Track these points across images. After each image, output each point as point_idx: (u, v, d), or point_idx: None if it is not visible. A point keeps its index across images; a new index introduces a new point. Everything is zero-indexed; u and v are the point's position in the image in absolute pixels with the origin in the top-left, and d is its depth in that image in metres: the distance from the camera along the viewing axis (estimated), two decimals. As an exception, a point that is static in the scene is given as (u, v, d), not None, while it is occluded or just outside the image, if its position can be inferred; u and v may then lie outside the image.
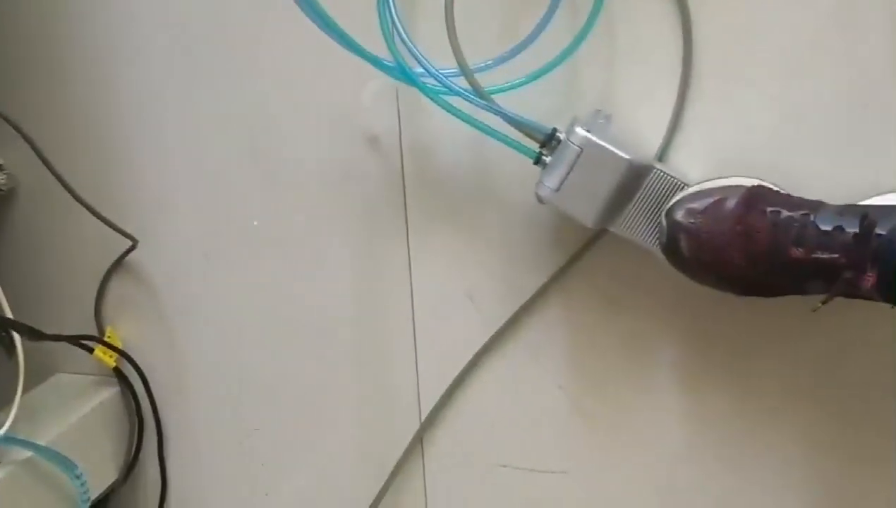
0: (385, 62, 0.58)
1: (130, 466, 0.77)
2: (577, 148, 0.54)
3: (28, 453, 0.62)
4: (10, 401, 0.64)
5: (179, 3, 0.69)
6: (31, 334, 0.64)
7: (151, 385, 0.76)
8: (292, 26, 0.66)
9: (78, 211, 0.72)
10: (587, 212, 0.57)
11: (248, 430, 0.76)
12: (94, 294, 0.75)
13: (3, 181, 0.74)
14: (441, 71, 0.57)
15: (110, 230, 0.72)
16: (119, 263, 0.74)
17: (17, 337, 0.64)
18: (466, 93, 0.57)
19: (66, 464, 0.63)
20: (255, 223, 0.71)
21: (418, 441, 0.72)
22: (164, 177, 0.73)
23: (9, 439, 0.60)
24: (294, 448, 0.76)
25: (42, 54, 0.73)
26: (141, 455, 0.78)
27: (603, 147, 0.54)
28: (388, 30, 0.58)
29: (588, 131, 0.54)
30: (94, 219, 0.72)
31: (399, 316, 0.70)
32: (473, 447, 0.71)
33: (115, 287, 0.76)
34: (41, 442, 0.63)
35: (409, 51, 0.57)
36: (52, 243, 0.76)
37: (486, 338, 0.68)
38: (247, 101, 0.69)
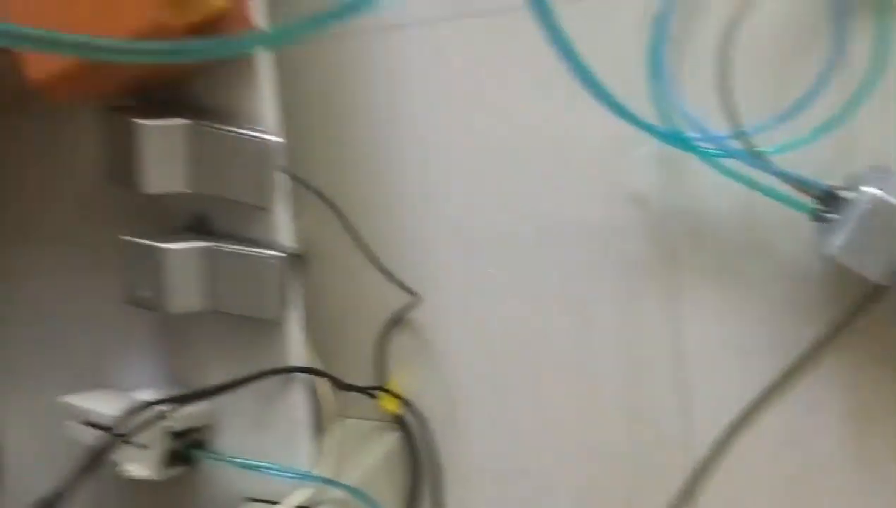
0: (658, 128, 0.61)
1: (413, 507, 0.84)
2: (867, 205, 0.54)
3: (341, 493, 0.70)
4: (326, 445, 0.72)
5: (452, 71, 0.76)
6: (335, 383, 0.72)
7: (432, 430, 0.83)
8: (558, 90, 0.71)
9: (365, 268, 0.80)
10: (874, 269, 0.56)
11: (519, 472, 0.80)
12: (375, 345, 0.84)
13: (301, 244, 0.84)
14: (715, 134, 0.59)
15: (392, 286, 0.80)
16: (400, 316, 0.82)
17: (319, 383, 0.73)
18: (744, 155, 0.58)
19: (371, 504, 0.70)
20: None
21: (689, 495, 0.72)
22: (445, 236, 0.79)
23: (323, 479, 0.68)
24: (562, 493, 0.79)
25: (331, 121, 0.83)
26: (420, 498, 0.84)
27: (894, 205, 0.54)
28: (661, 98, 0.61)
29: (879, 189, 0.54)
30: (378, 275, 0.80)
31: (666, 370, 0.72)
32: (746, 503, 0.71)
33: (395, 338, 0.84)
34: (350, 483, 0.71)
35: (686, 118, 0.59)
36: (339, 297, 0.85)
37: (757, 393, 0.68)
38: (520, 160, 0.75)
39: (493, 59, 0.75)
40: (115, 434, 0.64)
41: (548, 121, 0.73)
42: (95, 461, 0.61)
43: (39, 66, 0.57)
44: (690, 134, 0.60)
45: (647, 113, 0.63)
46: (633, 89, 0.63)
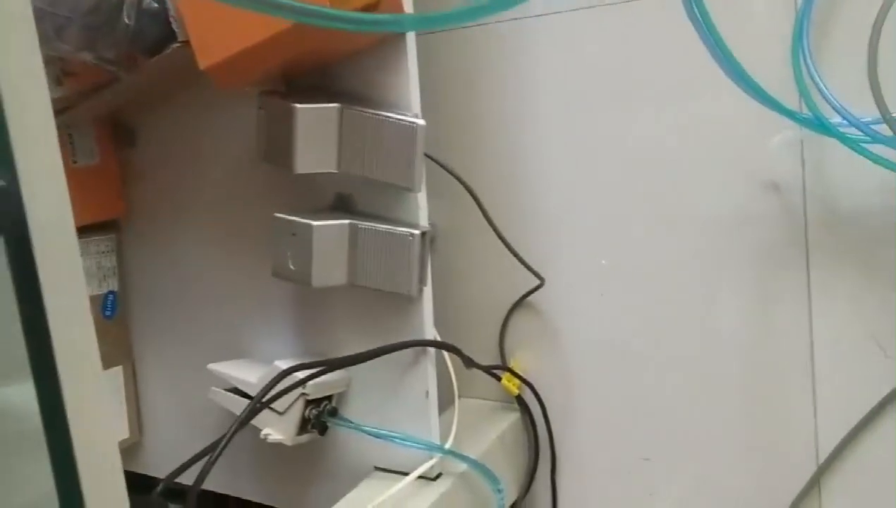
0: (800, 115, 0.61)
1: (527, 486, 0.85)
2: None
3: (464, 466, 0.73)
4: (445, 420, 0.75)
5: (586, 60, 0.78)
6: (466, 361, 0.74)
7: (548, 412, 0.84)
8: (695, 76, 0.71)
9: (491, 250, 0.82)
10: None
11: (638, 460, 0.81)
12: (499, 326, 0.86)
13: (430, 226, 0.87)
14: (860, 119, 0.58)
15: (518, 268, 0.82)
16: (524, 299, 0.84)
17: (449, 362, 0.76)
18: (892, 141, 0.57)
19: (493, 479, 0.72)
20: (650, 266, 0.77)
21: (815, 485, 0.72)
22: (569, 222, 0.81)
23: (452, 452, 0.71)
24: (683, 482, 0.79)
25: (466, 106, 0.85)
26: (536, 477, 0.86)
27: None
28: (804, 83, 0.61)
29: None
30: (505, 258, 0.82)
31: (797, 357, 0.71)
32: (874, 497, 0.70)
33: (518, 320, 0.86)
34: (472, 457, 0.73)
35: (829, 103, 0.59)
36: (466, 278, 0.88)
37: (893, 384, 0.67)
38: (646, 148, 0.76)
39: (625, 47, 0.76)
40: (260, 403, 0.68)
41: (682, 107, 0.74)
42: (241, 427, 0.65)
43: (208, 54, 0.61)
44: (834, 119, 0.60)
45: (790, 98, 0.63)
46: (774, 75, 0.63)
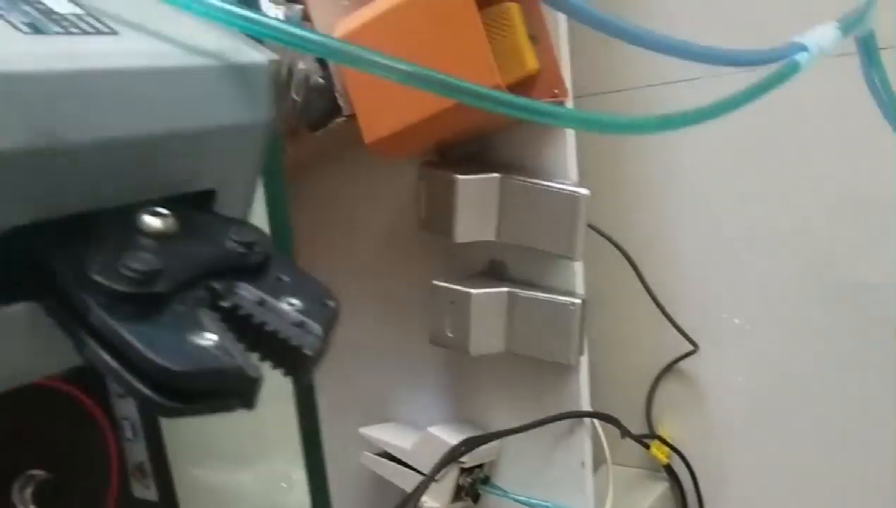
0: None
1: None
2: None
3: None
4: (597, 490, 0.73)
5: (726, 131, 0.76)
6: (622, 431, 0.73)
7: (699, 483, 0.81)
8: (853, 146, 0.69)
9: (640, 315, 0.81)
10: None
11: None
12: (646, 392, 0.84)
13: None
14: None
15: (665, 333, 0.80)
16: (674, 364, 0.82)
17: (598, 428, 0.74)
18: None
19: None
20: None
21: None
22: (726, 291, 0.79)
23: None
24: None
25: (617, 168, 0.84)
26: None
27: None
28: None
29: None
30: (653, 323, 0.80)
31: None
32: None
33: (667, 386, 0.83)
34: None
35: None
36: (611, 343, 0.87)
37: None
38: (801, 214, 0.73)
39: (779, 110, 0.74)
40: (429, 478, 0.67)
41: (837, 176, 0.71)
42: (411, 501, 0.65)
43: (373, 129, 0.63)
44: None
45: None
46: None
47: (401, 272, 0.77)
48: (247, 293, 0.25)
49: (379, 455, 0.75)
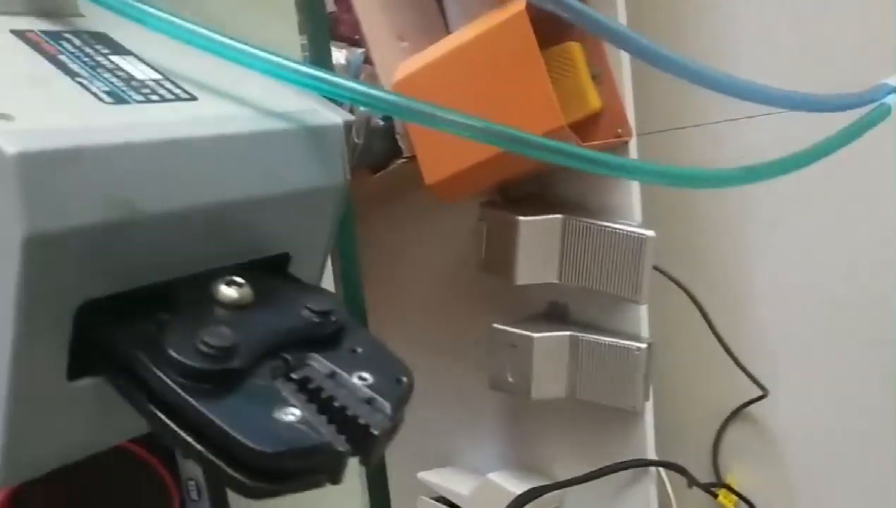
0: None
1: None
2: None
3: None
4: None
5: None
6: (690, 480, 0.70)
7: (771, 534, 0.78)
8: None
9: (705, 358, 0.78)
10: None
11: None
12: (712, 438, 0.81)
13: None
14: None
15: (732, 378, 0.77)
16: (742, 409, 0.79)
17: (664, 476, 0.72)
18: None
19: None
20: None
21: None
22: (797, 334, 0.76)
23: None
24: None
25: (684, 215, 0.82)
26: None
27: None
28: None
29: None
30: (719, 367, 0.77)
31: None
32: None
33: (735, 432, 0.80)
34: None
35: None
36: (675, 388, 0.84)
37: None
38: (877, 260, 0.70)
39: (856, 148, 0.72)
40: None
41: None
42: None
43: (434, 171, 0.62)
44: None
45: None
46: None
47: (460, 314, 0.76)
48: (318, 365, 0.24)
49: (436, 499, 0.74)
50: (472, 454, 0.77)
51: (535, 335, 0.64)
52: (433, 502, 0.73)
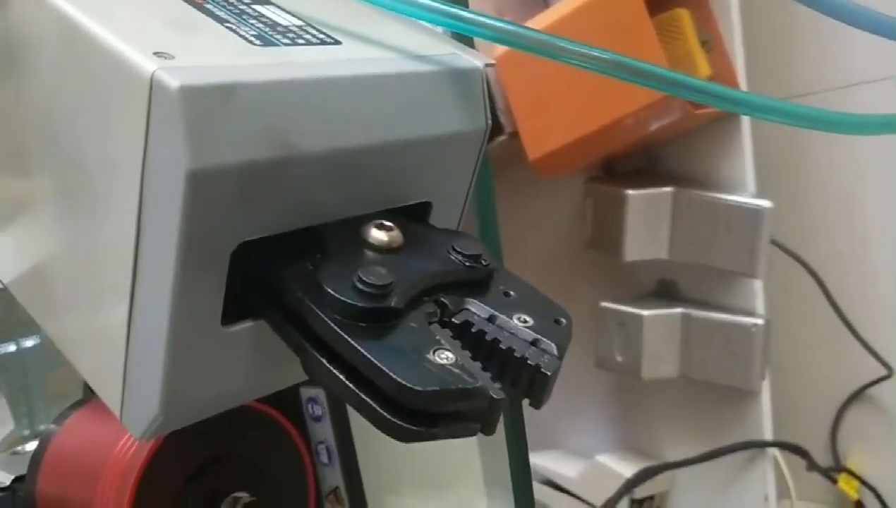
0: None
1: None
2: None
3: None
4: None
5: None
6: (809, 463, 0.68)
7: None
8: None
9: (823, 337, 0.75)
10: None
11: None
12: (830, 421, 0.77)
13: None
14: None
15: (853, 357, 0.73)
16: (864, 390, 0.75)
17: (780, 459, 0.69)
18: None
19: None
20: None
21: None
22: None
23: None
24: None
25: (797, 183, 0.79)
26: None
27: None
28: None
29: None
30: (839, 346, 0.74)
31: None
32: None
33: (856, 414, 0.77)
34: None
35: None
36: (790, 368, 0.80)
37: None
38: None
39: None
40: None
41: None
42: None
43: (537, 146, 0.61)
44: None
45: None
46: None
47: (565, 293, 0.74)
48: (476, 308, 0.24)
49: (543, 483, 0.73)
50: (577, 436, 0.76)
51: (646, 313, 0.62)
52: (540, 485, 0.72)
